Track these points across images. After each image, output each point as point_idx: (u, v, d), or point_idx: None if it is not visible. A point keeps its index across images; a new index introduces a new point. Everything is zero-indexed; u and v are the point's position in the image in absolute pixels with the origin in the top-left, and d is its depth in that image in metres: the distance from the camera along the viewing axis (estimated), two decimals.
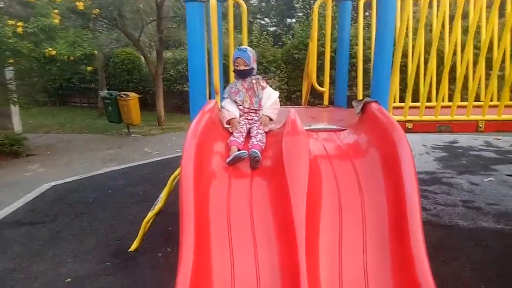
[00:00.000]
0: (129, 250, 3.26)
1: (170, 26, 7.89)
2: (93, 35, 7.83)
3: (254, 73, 2.77)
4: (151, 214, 3.25)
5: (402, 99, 3.38)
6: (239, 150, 2.47)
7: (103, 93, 8.54)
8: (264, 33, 10.67)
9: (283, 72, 9.87)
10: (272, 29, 20.26)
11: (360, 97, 3.45)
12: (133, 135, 8.87)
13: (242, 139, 2.58)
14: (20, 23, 5.30)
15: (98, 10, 6.45)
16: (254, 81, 2.75)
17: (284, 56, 9.82)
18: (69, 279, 2.87)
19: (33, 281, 2.86)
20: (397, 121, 2.94)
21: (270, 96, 2.75)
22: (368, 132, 2.54)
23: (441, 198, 4.38)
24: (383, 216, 2.08)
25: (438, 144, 7.10)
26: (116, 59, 11.62)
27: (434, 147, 6.89)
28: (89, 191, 4.84)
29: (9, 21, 5.27)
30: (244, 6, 3.70)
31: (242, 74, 2.75)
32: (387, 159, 2.25)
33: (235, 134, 2.60)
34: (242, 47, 2.78)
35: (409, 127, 3.01)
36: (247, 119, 2.76)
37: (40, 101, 14.06)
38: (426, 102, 3.05)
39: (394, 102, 3.23)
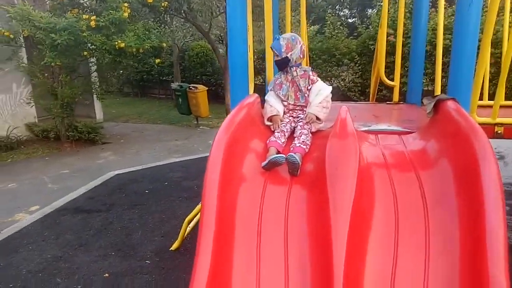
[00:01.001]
0: (170, 249, 3.14)
1: None
2: (168, 28, 8.01)
3: (298, 64, 2.39)
4: (193, 213, 3.09)
5: (491, 97, 2.75)
6: (278, 152, 2.15)
7: (174, 85, 8.74)
8: (339, 23, 10.01)
9: (357, 65, 9.18)
10: (351, 20, 19.27)
11: (437, 93, 2.88)
12: (201, 127, 8.97)
13: (283, 140, 2.25)
14: (93, 17, 5.53)
15: (167, 3, 6.53)
16: (299, 74, 2.38)
17: (359, 48, 9.12)
18: (106, 274, 2.83)
19: (74, 272, 2.87)
20: (483, 124, 2.40)
21: (320, 92, 2.36)
22: (440, 137, 2.04)
23: None
24: (454, 249, 1.61)
25: None
26: (191, 52, 11.89)
27: None
28: (147, 181, 4.88)
29: (83, 15, 5.52)
30: None
31: (278, 65, 2.42)
32: (463, 174, 1.75)
33: (276, 133, 2.27)
34: (278, 35, 2.43)
35: (499, 131, 2.41)
36: (292, 116, 2.42)
37: (125, 92, 15.14)
38: None
39: (480, 100, 2.62)
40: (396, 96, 3.46)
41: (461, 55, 2.18)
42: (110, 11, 5.58)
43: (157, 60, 6.53)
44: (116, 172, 5.30)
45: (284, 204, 2.01)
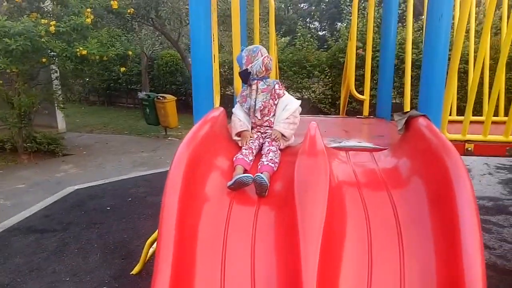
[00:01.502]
0: (131, 273, 2.91)
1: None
2: (136, 36, 7.75)
3: (262, 77, 2.27)
4: (155, 234, 2.89)
5: (461, 112, 2.75)
6: (245, 171, 2.02)
7: (142, 94, 8.46)
8: (309, 35, 10.09)
9: (327, 77, 9.24)
10: (321, 33, 19.61)
11: (407, 108, 2.85)
12: (169, 138, 8.72)
13: (251, 158, 2.12)
14: (53, 22, 5.24)
15: (133, 10, 6.32)
16: (260, 88, 2.26)
17: (329, 60, 9.19)
18: None
19: None
20: (454, 140, 2.36)
21: (286, 107, 2.25)
22: (412, 155, 1.97)
23: (510, 233, 3.61)
24: (429, 275, 1.53)
25: (504, 163, 6.15)
26: (160, 61, 11.62)
27: (499, 167, 5.96)
28: (109, 197, 4.61)
29: (42, 20, 5.22)
30: (271, 2, 3.24)
31: (241, 78, 2.31)
32: (437, 194, 1.68)
33: (243, 150, 2.14)
34: (246, 47, 2.32)
35: (469, 148, 2.38)
36: (260, 132, 2.30)
37: (91, 100, 14.61)
38: (493, 116, 2.40)
39: (450, 115, 2.60)
40: (366, 110, 3.42)
41: (432, 70, 2.13)
42: (72, 16, 5.30)
43: (122, 69, 6.27)
44: (76, 187, 4.99)
45: (251, 227, 1.87)
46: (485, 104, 2.85)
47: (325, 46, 10.54)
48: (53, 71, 7.13)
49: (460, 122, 2.42)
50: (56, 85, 7.24)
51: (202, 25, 2.20)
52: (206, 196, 1.92)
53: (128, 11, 6.30)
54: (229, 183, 1.92)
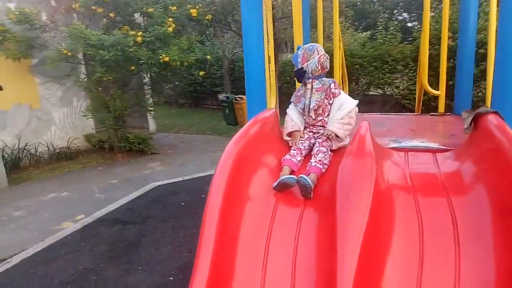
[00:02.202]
0: None
1: (283, 28, 7.62)
2: (218, 40, 8.10)
3: (317, 76, 2.21)
4: None
5: None
6: (292, 172, 2.00)
7: (222, 96, 8.85)
8: (391, 28, 9.50)
9: (411, 71, 8.62)
10: (411, 24, 18.28)
11: (487, 102, 2.53)
12: None
13: (300, 158, 2.09)
14: (139, 33, 5.75)
15: (211, 16, 6.63)
16: (315, 87, 2.20)
17: (413, 53, 8.56)
18: None
19: (100, 285, 2.91)
20: None
21: (341, 107, 2.17)
22: (479, 158, 1.75)
23: None
24: None
25: None
26: (241, 64, 12.00)
27: None
28: (185, 193, 4.91)
29: (131, 32, 5.77)
30: None
31: (296, 77, 2.26)
32: (505, 206, 1.47)
33: (291, 151, 2.12)
34: (304, 45, 2.27)
35: None
36: (312, 132, 2.25)
37: (180, 103, 15.69)
38: None
39: None
40: (441, 107, 3.12)
41: (507, 60, 1.86)
42: (156, 26, 5.76)
43: (201, 72, 6.62)
44: (158, 183, 5.41)
45: (295, 229, 1.85)
46: None
47: (410, 38, 9.84)
48: (144, 77, 7.83)
49: None
50: (145, 90, 7.93)
51: (253, 28, 2.23)
52: (251, 196, 1.94)
53: (206, 17, 6.63)
54: (274, 184, 1.92)
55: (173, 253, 3.36)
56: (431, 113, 3.23)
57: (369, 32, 12.59)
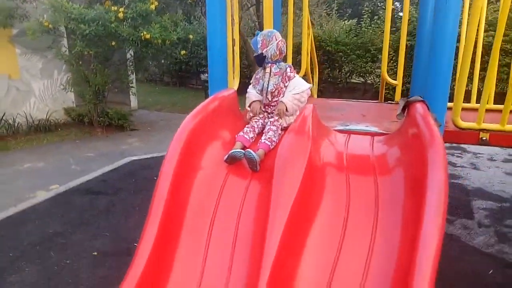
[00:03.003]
0: None
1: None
2: (198, 21, 8.16)
3: (276, 61, 2.38)
4: None
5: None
6: (243, 148, 2.18)
7: (204, 76, 8.92)
8: (376, 17, 9.66)
9: (391, 61, 8.84)
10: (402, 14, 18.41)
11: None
12: None
13: (252, 135, 2.27)
14: (121, 9, 5.79)
15: None
16: (273, 71, 2.37)
17: (395, 44, 8.76)
18: (95, 253, 3.02)
19: (68, 248, 3.09)
20: (467, 129, 2.27)
21: (295, 88, 2.35)
22: (403, 141, 1.97)
23: None
24: (390, 261, 1.58)
25: None
26: None
27: None
28: (158, 168, 5.03)
29: (112, 7, 5.79)
30: None
31: (256, 62, 2.42)
32: (413, 185, 1.70)
33: (245, 129, 2.30)
34: (260, 31, 2.42)
35: (484, 138, 2.25)
36: (267, 112, 2.43)
37: (165, 81, 15.68)
38: None
39: (468, 103, 2.45)
40: (398, 95, 3.33)
41: (439, 53, 2.05)
42: (138, 3, 5.80)
43: (183, 52, 6.70)
44: (133, 158, 5.56)
45: (241, 198, 2.05)
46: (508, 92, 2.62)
47: (394, 28, 10.01)
48: (126, 54, 7.85)
49: (477, 110, 2.29)
50: (128, 66, 7.95)
51: (217, 10, 2.36)
52: (203, 166, 2.12)
53: None
54: (225, 157, 2.10)
55: (140, 223, 3.53)
56: (388, 102, 3.44)
57: (355, 20, 12.72)
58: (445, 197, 1.50)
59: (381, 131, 2.30)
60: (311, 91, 2.48)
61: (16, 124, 7.03)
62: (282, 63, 2.43)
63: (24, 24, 6.41)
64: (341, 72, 10.17)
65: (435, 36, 2.05)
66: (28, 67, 7.24)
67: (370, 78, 9.66)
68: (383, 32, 9.59)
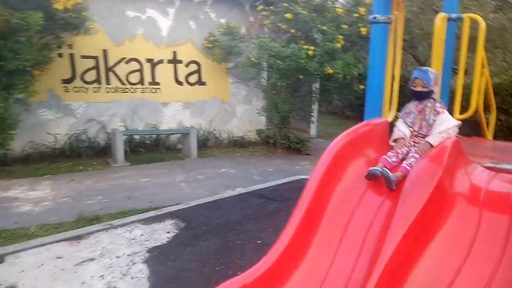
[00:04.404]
0: None
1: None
2: None
3: (433, 96, 2.62)
4: None
5: None
6: (384, 168, 2.51)
7: None
8: None
9: None
10: None
11: None
12: None
13: (394, 159, 2.57)
14: (311, 47, 6.73)
15: None
16: (429, 105, 2.62)
17: None
18: (259, 241, 3.76)
19: (241, 232, 3.94)
20: None
21: (442, 123, 2.53)
22: None
23: None
24: None
25: None
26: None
27: None
28: None
29: (304, 46, 6.81)
30: (482, 24, 3.31)
31: (418, 96, 2.69)
32: None
33: (389, 153, 2.62)
34: (424, 68, 2.69)
35: None
36: (414, 142, 2.67)
37: (346, 114, 16.32)
38: None
39: None
40: None
41: None
42: (326, 42, 6.64)
43: (361, 86, 7.16)
44: (302, 176, 6.28)
45: (374, 211, 2.39)
46: None
47: None
48: (312, 86, 8.86)
49: None
50: (312, 97, 8.93)
51: (378, 50, 2.80)
52: (347, 179, 2.56)
53: None
54: (365, 173, 2.48)
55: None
56: None
57: None
58: None
59: None
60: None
61: (220, 138, 8.84)
62: (435, 99, 2.65)
63: (237, 59, 8.15)
64: None
65: None
66: (235, 94, 9.03)
67: None
68: None
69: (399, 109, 2.92)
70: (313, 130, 10.88)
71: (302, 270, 2.33)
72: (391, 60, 2.88)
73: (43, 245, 3.40)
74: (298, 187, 5.82)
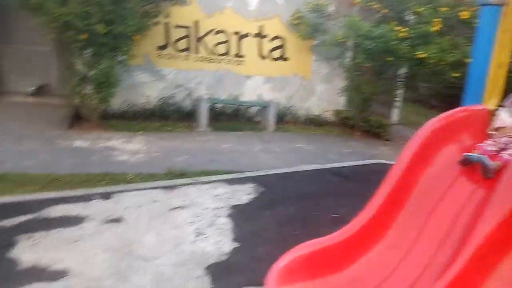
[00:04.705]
0: None
1: None
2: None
3: None
4: None
5: None
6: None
7: None
8: None
9: None
10: None
11: None
12: None
13: (491, 148, 2.47)
14: (404, 29, 6.44)
15: None
16: None
17: None
18: (335, 215, 3.86)
19: (317, 204, 4.07)
20: None
21: None
22: None
23: None
24: None
25: None
26: None
27: None
28: None
29: (395, 27, 6.53)
30: None
31: None
32: None
33: (487, 141, 2.52)
34: None
35: None
36: None
37: (432, 104, 15.36)
38: None
39: None
40: None
41: None
42: (421, 25, 6.31)
43: (454, 74, 6.71)
44: (382, 161, 6.20)
45: (464, 199, 2.33)
46: None
47: None
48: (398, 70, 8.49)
49: None
50: (398, 82, 8.57)
51: (486, 33, 2.65)
52: (437, 163, 2.52)
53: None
54: (460, 158, 2.44)
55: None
56: None
57: None
58: None
59: None
60: None
61: (297, 115, 8.93)
62: None
63: (323, 37, 8.07)
64: None
65: None
66: (317, 72, 8.99)
67: None
68: None
69: (503, 98, 2.77)
70: (394, 116, 10.46)
71: (381, 246, 2.38)
72: (500, 46, 2.72)
73: (140, 189, 3.86)
74: (377, 170, 5.77)
